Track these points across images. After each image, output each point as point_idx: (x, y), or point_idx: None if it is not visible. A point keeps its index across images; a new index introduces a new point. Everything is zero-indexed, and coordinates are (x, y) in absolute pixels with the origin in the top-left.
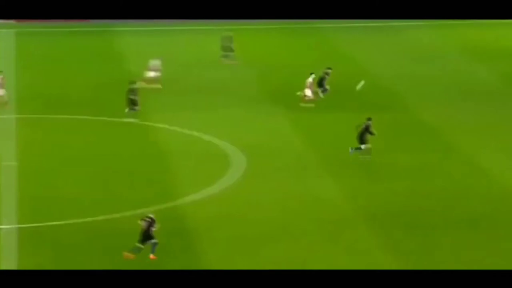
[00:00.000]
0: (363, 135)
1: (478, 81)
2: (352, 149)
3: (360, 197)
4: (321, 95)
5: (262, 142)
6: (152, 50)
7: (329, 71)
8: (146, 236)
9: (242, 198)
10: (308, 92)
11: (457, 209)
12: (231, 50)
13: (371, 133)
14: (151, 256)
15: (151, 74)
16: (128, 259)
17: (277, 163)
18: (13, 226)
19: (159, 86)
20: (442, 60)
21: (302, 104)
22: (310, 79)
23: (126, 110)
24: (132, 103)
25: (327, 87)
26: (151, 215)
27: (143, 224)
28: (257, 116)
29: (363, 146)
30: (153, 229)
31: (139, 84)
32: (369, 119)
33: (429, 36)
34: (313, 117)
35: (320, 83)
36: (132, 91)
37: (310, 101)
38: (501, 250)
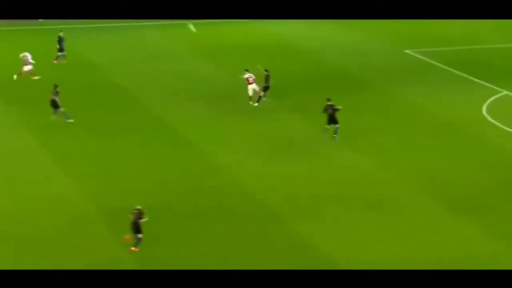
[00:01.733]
0: (333, 115)
1: (219, 78)
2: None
3: (107, 196)
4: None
5: None
6: None
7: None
8: (136, 228)
9: None
10: (255, 89)
11: (188, 204)
12: (61, 50)
13: (336, 109)
14: (133, 248)
15: (27, 68)
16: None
17: (13, 165)
18: None
19: (38, 77)
20: (171, 58)
21: (251, 103)
22: (247, 75)
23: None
24: (54, 105)
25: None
26: (139, 207)
27: (132, 216)
28: None
29: (337, 125)
30: (142, 220)
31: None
32: (329, 99)
33: (164, 36)
34: (46, 117)
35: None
36: (56, 93)
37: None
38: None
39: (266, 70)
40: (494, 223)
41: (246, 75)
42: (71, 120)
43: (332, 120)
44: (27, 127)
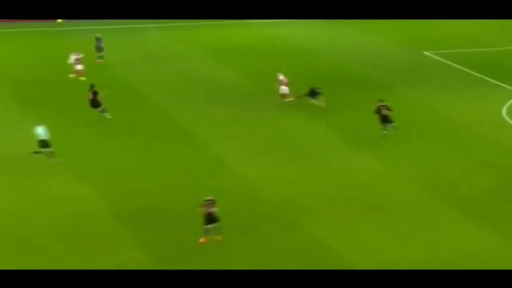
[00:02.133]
0: (386, 116)
1: (221, 79)
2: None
3: (108, 196)
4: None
5: (10, 147)
6: None
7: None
8: (210, 218)
9: None
10: (285, 90)
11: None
12: (101, 50)
13: (389, 109)
14: (217, 237)
15: (79, 67)
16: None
17: (18, 166)
18: None
19: (84, 78)
20: (178, 59)
21: (287, 99)
22: (281, 77)
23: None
24: (94, 105)
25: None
26: (211, 198)
27: (205, 208)
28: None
29: (393, 124)
30: (215, 209)
31: (71, 77)
32: (381, 100)
33: (167, 37)
34: (54, 116)
35: (311, 94)
36: (94, 93)
37: (289, 96)
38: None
39: (315, 88)
40: (497, 223)
41: (281, 77)
42: (110, 116)
43: (386, 120)
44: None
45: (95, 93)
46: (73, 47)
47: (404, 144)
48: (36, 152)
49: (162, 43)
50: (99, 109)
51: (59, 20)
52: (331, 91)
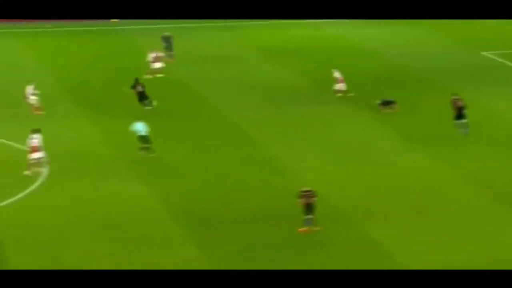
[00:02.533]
0: (461, 109)
1: (278, 80)
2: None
3: (163, 196)
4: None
5: (66, 147)
6: None
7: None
8: (308, 209)
9: (45, 203)
10: (342, 87)
11: (252, 204)
12: (171, 49)
13: (464, 108)
14: (315, 228)
15: (158, 65)
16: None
17: (82, 167)
18: None
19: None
20: (239, 61)
21: (339, 95)
22: (337, 75)
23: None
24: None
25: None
26: (309, 188)
27: (307, 199)
28: (58, 119)
29: (465, 120)
30: (314, 200)
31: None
32: (454, 93)
33: (221, 38)
34: (116, 122)
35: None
36: (142, 86)
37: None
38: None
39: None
40: None
41: (336, 74)
42: (152, 106)
43: (460, 115)
44: (99, 129)
45: (142, 86)
46: (131, 47)
47: (465, 146)
48: (143, 149)
49: (213, 43)
50: (146, 102)
51: (114, 20)
52: (388, 92)
